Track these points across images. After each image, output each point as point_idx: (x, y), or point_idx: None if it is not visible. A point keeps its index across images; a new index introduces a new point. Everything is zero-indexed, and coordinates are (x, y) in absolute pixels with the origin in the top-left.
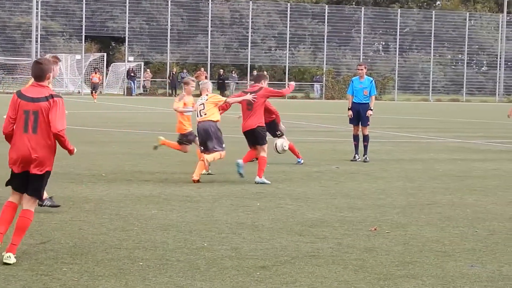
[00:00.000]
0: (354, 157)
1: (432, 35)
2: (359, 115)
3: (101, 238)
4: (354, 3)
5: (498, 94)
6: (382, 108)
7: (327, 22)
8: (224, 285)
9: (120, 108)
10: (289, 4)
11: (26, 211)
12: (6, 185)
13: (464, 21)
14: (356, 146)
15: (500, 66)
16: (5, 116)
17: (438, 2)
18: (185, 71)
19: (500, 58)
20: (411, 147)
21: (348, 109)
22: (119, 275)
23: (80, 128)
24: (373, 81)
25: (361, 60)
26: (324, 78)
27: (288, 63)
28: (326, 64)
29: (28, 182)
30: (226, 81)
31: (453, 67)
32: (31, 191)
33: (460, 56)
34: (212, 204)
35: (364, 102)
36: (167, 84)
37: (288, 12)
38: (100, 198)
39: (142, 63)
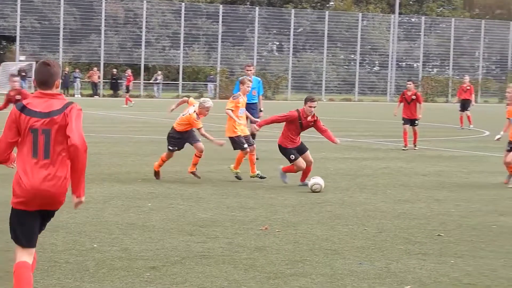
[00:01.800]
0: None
1: (325, 35)
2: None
3: None
4: (248, 3)
5: (389, 94)
6: (275, 108)
7: (222, 22)
8: (114, 287)
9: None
10: (183, 3)
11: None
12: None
13: (357, 21)
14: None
15: (391, 66)
16: None
17: (331, 3)
18: (77, 70)
19: (391, 58)
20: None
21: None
22: (5, 277)
23: None
24: (261, 81)
25: (255, 61)
26: (218, 78)
27: (183, 62)
28: (220, 63)
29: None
30: (119, 81)
31: (345, 67)
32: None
33: (352, 56)
34: (102, 205)
35: (253, 102)
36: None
37: (183, 12)
38: None
39: (34, 62)
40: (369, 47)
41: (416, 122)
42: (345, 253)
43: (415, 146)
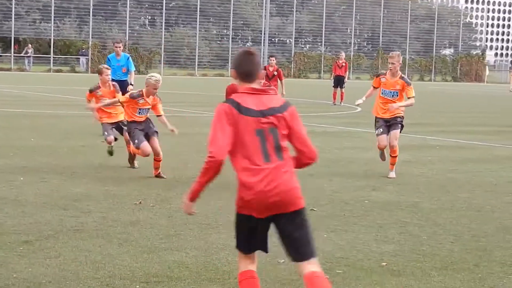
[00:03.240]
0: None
1: (198, 10)
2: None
3: None
4: None
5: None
6: None
7: None
8: None
9: None
10: None
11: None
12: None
13: None
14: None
15: (264, 42)
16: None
17: None
18: None
19: (264, 34)
20: (177, 121)
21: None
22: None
23: None
24: (130, 57)
25: (127, 35)
26: (90, 52)
27: (54, 36)
28: (92, 37)
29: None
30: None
31: (218, 42)
32: (304, 239)
33: (225, 32)
34: None
35: (123, 79)
36: None
37: None
38: None
39: None
40: (242, 22)
41: None
42: (219, 227)
43: None
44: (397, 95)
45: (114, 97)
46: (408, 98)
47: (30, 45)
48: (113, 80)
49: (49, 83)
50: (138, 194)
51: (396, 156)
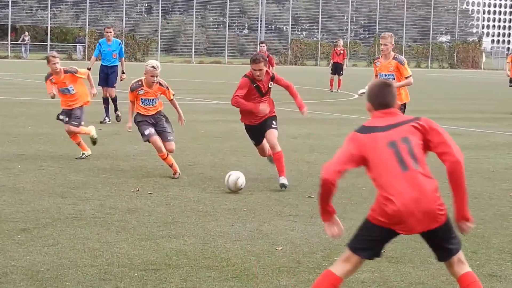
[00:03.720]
0: (104, 119)
1: None
2: (107, 77)
3: None
4: None
5: None
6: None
7: None
8: None
9: None
10: None
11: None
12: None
13: None
14: (106, 109)
15: (260, 29)
16: None
17: None
18: None
19: (260, 21)
20: (172, 108)
21: (88, 68)
22: None
23: None
24: (121, 43)
25: (123, 22)
26: (86, 39)
27: (50, 23)
28: (88, 25)
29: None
30: None
31: (215, 29)
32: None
33: (222, 19)
34: None
35: (114, 64)
36: None
37: None
38: None
39: None
40: (238, 9)
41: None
42: (217, 215)
43: None
44: (393, 78)
45: (67, 86)
46: (405, 78)
47: (26, 33)
48: (104, 66)
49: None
50: (135, 182)
51: None
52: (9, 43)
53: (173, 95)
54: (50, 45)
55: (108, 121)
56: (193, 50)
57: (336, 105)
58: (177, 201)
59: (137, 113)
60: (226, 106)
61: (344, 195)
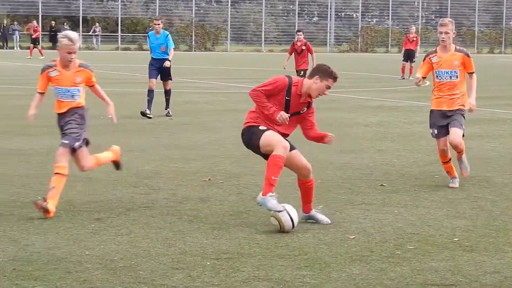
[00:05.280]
0: (146, 111)
1: None
2: (157, 71)
3: None
4: None
5: (329, 45)
6: (214, 59)
7: None
8: (59, 238)
9: None
10: None
11: None
12: None
13: None
14: (150, 102)
15: (330, 17)
16: None
17: None
18: (16, 23)
19: (330, 9)
20: (243, 97)
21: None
22: None
23: None
24: (169, 35)
25: (193, 12)
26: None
27: (121, 14)
28: (158, 15)
29: None
30: (58, 33)
31: (284, 17)
32: None
33: (291, 7)
34: (45, 157)
35: (163, 58)
36: None
37: None
38: None
39: None
40: None
41: (302, 72)
42: (288, 203)
43: None
44: (457, 75)
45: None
46: (470, 74)
47: (97, 24)
48: (153, 59)
49: (117, 61)
50: (207, 171)
51: (461, 152)
52: (81, 34)
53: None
54: (121, 35)
55: (149, 114)
56: (262, 39)
57: (407, 92)
58: (248, 190)
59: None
60: None
61: (416, 183)
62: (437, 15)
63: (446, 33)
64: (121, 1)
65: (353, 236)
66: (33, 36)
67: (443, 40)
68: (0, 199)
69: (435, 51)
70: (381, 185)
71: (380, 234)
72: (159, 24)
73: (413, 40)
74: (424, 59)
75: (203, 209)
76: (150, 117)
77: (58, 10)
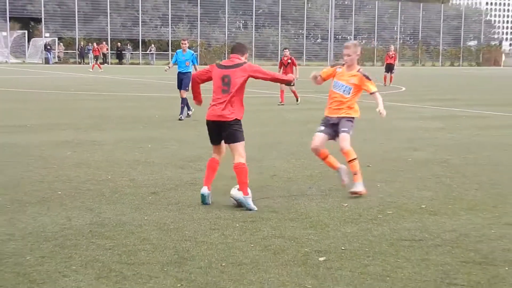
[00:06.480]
0: (181, 116)
1: (279, 15)
2: (181, 82)
3: (28, 174)
4: None
5: (329, 60)
6: None
7: (200, 5)
8: (124, 207)
9: (40, 74)
10: None
11: None
12: None
13: (303, 4)
14: (183, 108)
15: (330, 39)
16: None
17: None
18: (90, 44)
19: (330, 32)
20: (265, 101)
21: (165, 70)
22: (42, 202)
23: (7, 90)
24: (194, 53)
25: (226, 36)
26: (198, 49)
27: (171, 37)
28: (200, 38)
29: None
30: (123, 52)
31: (295, 39)
32: None
33: (300, 31)
34: (114, 146)
35: (186, 71)
36: (77, 55)
37: None
38: (26, 144)
39: (56, 38)
40: (313, 23)
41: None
42: (298, 180)
43: (297, 101)
44: (350, 90)
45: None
46: (371, 94)
47: (153, 45)
48: (179, 72)
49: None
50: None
51: (353, 160)
52: (140, 53)
53: None
54: (171, 54)
55: (181, 118)
56: (279, 56)
57: (388, 96)
58: (267, 170)
59: None
60: (309, 99)
61: (394, 164)
62: (411, 36)
63: (348, 55)
64: (171, 27)
65: (346, 204)
66: (95, 54)
67: (345, 61)
68: (80, 178)
69: (343, 65)
70: (368, 166)
71: (367, 202)
72: (185, 44)
73: (392, 56)
74: (333, 66)
75: (233, 184)
76: (181, 119)
77: (123, 34)
